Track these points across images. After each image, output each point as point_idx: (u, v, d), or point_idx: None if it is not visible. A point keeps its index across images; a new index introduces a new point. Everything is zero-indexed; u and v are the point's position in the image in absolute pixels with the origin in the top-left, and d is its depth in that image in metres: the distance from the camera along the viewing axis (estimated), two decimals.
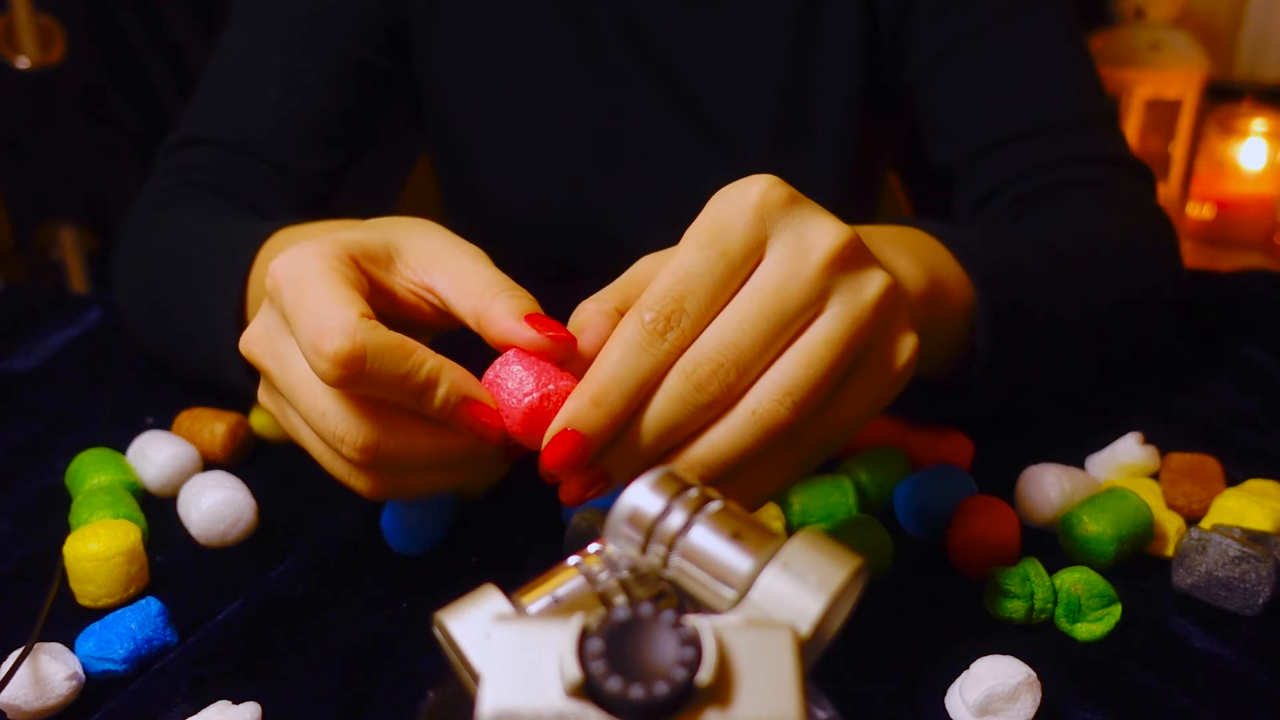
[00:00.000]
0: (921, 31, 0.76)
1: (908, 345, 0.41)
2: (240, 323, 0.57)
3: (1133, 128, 1.80)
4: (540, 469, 0.39)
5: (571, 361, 0.41)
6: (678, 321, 0.38)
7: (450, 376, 0.39)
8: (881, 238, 0.49)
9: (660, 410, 0.38)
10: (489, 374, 0.41)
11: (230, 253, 0.58)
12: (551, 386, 0.39)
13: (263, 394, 0.46)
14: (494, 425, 0.40)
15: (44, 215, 1.60)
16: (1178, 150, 1.83)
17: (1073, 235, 0.63)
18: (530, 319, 0.40)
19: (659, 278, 0.39)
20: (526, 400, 0.39)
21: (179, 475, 0.58)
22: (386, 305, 0.44)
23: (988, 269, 0.54)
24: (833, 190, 0.81)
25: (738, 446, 0.38)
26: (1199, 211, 1.82)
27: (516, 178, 0.84)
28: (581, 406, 0.38)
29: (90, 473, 0.57)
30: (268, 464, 0.62)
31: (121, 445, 0.60)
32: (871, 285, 0.40)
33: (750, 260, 0.39)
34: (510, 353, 0.41)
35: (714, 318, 0.39)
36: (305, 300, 0.39)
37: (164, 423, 0.64)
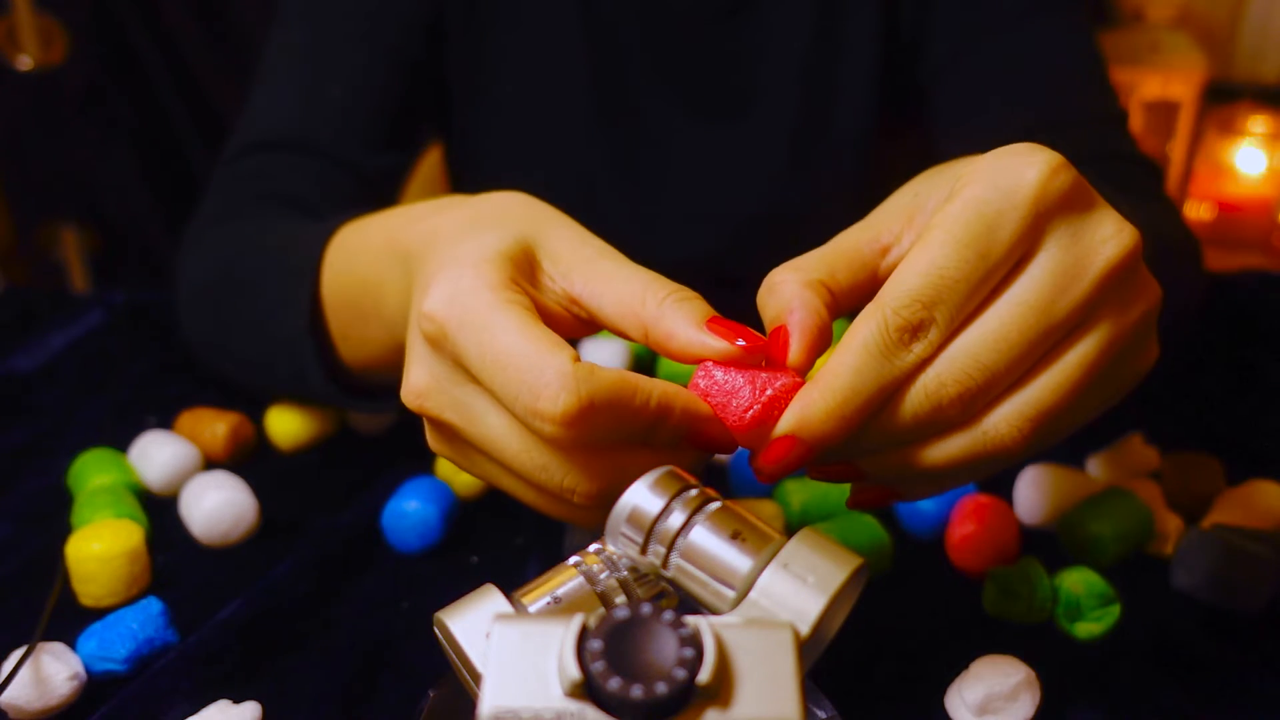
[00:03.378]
0: (938, 28, 0.76)
1: (1149, 359, 0.37)
2: (316, 330, 0.53)
3: (1132, 128, 1.80)
4: (754, 468, 0.36)
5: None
6: (926, 331, 0.34)
7: (679, 404, 0.35)
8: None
9: (891, 424, 0.34)
10: (695, 386, 0.37)
11: (295, 255, 0.54)
12: (770, 391, 0.36)
13: (436, 442, 0.41)
14: (726, 440, 0.37)
15: (44, 215, 1.60)
16: (1177, 151, 1.83)
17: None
18: (712, 325, 0.36)
19: (906, 274, 0.34)
20: (750, 414, 0.36)
21: (180, 475, 0.58)
22: None
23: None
24: (851, 191, 0.81)
25: (955, 461, 0.35)
26: (1198, 212, 1.82)
27: (533, 184, 0.84)
28: (814, 417, 0.34)
29: (92, 473, 0.57)
30: (269, 464, 0.62)
31: (123, 445, 0.60)
32: (1141, 302, 0.35)
33: (1013, 260, 0.34)
34: (708, 361, 0.37)
35: (964, 326, 0.34)
36: (497, 351, 0.34)
37: (165, 422, 0.64)
